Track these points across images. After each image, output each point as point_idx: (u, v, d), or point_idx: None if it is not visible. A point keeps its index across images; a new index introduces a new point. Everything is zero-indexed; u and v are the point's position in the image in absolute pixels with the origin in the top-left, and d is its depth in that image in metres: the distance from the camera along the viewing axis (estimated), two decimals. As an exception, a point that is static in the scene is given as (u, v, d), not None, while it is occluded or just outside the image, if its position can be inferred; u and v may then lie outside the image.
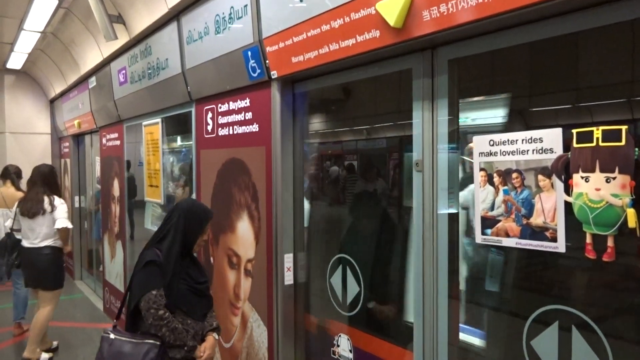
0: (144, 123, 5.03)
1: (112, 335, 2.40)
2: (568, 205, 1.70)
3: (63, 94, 8.08)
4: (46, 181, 4.80)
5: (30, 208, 4.64)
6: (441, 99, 2.13)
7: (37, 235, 4.66)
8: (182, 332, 2.37)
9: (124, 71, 5.16)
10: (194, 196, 4.01)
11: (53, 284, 4.78)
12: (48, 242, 4.70)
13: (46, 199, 4.68)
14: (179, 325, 2.37)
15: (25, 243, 4.71)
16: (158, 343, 2.34)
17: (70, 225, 4.82)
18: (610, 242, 1.59)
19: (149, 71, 4.54)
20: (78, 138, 8.41)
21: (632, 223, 1.51)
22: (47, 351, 5.02)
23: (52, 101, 9.09)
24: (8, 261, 4.81)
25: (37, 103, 9.14)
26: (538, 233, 1.77)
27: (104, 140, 6.41)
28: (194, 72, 3.78)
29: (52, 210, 4.66)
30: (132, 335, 2.40)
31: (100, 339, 2.43)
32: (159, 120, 4.70)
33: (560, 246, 1.71)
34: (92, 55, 6.02)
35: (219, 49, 3.37)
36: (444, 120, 2.15)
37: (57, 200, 4.77)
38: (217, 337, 2.57)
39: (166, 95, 4.37)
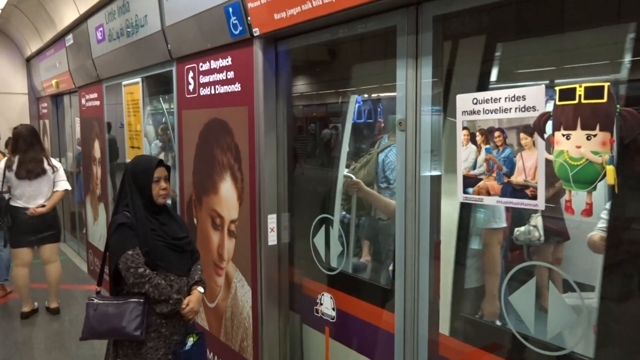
0: (124, 83, 4.91)
1: (95, 300, 2.44)
2: (549, 164, 1.71)
3: (39, 52, 7.83)
4: (40, 141, 4.95)
5: (33, 169, 4.73)
6: (425, 57, 2.10)
7: (41, 195, 4.82)
8: (165, 287, 2.39)
9: (101, 28, 5.00)
10: (176, 158, 3.97)
11: (58, 236, 5.17)
12: None
13: (44, 160, 4.82)
14: (161, 280, 2.39)
15: (27, 204, 4.77)
16: (142, 300, 2.37)
17: (70, 188, 5.10)
18: (588, 199, 1.61)
19: (128, 29, 4.40)
20: (56, 98, 8.21)
21: (610, 180, 1.53)
22: (31, 312, 5.05)
23: (28, 60, 8.82)
24: (3, 224, 4.81)
25: (13, 62, 8.86)
26: (519, 191, 1.79)
27: (83, 101, 6.26)
28: (174, 30, 3.67)
29: (54, 172, 4.86)
30: (115, 297, 2.44)
31: (86, 305, 2.46)
32: (139, 79, 4.59)
33: (540, 204, 1.73)
34: (67, 11, 5.80)
35: (199, 5, 3.26)
36: (428, 82, 2.12)
37: (55, 161, 4.96)
38: (201, 290, 2.59)
39: (146, 53, 4.25)
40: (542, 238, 2.46)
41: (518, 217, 2.29)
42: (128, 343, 2.42)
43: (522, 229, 2.37)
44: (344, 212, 3.03)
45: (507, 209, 2.27)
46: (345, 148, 3.10)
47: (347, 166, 3.12)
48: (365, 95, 3.25)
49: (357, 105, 3.13)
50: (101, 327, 2.39)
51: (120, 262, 2.35)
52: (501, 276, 2.23)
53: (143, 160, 2.60)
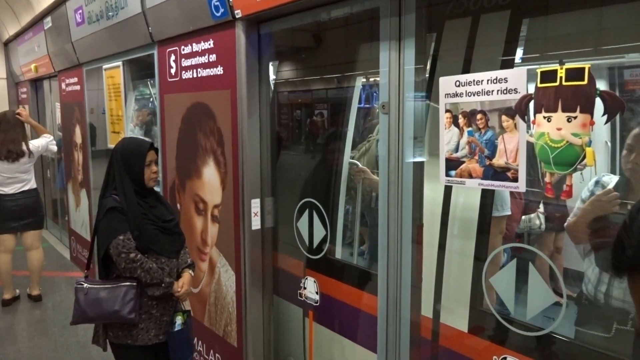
0: (105, 67, 4.83)
1: (85, 285, 2.40)
2: (530, 146, 1.71)
3: (17, 35, 7.65)
4: (23, 126, 4.95)
5: (13, 149, 4.70)
6: (408, 39, 2.08)
7: (21, 180, 4.83)
8: (157, 270, 2.38)
9: (80, 11, 4.89)
10: (159, 143, 3.92)
11: (41, 223, 5.19)
12: (33, 184, 4.96)
13: (23, 143, 4.81)
14: (153, 264, 2.38)
15: (8, 190, 4.75)
16: (134, 284, 2.36)
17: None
18: (568, 181, 1.62)
19: (108, 12, 4.31)
20: (36, 83, 8.05)
21: (590, 162, 1.54)
22: (12, 299, 5.00)
23: (6, 44, 8.62)
24: None
25: (-10, 45, 8.67)
26: (500, 173, 1.79)
27: (63, 85, 6.15)
28: (155, 12, 3.60)
29: (30, 156, 4.84)
30: (106, 282, 2.41)
31: (75, 290, 2.42)
32: (119, 63, 4.51)
33: (520, 186, 1.74)
34: (46, -7, 5.67)
35: (180, -14, 3.20)
36: (411, 69, 2.11)
37: (32, 146, 4.92)
38: (192, 273, 2.61)
39: (127, 36, 4.17)
40: (543, 226, 2.46)
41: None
42: (119, 325, 2.41)
43: (523, 216, 2.35)
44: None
45: (512, 195, 2.14)
46: (350, 135, 3.04)
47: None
48: (364, 80, 3.20)
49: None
50: (93, 311, 2.36)
51: (111, 248, 2.32)
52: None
53: (133, 143, 2.53)
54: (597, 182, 1.78)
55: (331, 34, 3.22)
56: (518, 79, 1.70)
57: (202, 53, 3.24)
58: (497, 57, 2.06)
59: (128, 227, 2.34)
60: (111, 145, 4.95)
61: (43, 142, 5.03)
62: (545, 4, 1.99)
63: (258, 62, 3.00)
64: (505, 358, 1.91)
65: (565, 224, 1.86)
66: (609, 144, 2.04)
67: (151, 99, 4.89)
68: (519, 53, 2.01)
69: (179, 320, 2.50)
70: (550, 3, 1.97)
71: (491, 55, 2.08)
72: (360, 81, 3.12)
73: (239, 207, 3.05)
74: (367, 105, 3.26)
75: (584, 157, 1.56)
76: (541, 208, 2.43)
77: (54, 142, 5.21)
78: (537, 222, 2.55)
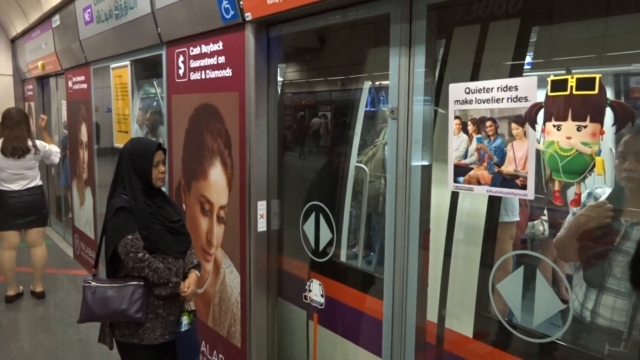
0: (112, 66, 4.85)
1: (93, 283, 2.42)
2: (536, 154, 1.73)
3: (25, 33, 7.68)
4: (28, 122, 4.94)
5: (18, 146, 4.70)
6: (419, 45, 2.10)
7: (26, 177, 4.84)
8: (164, 270, 2.40)
9: (89, 10, 4.92)
10: (165, 143, 3.94)
11: (45, 220, 5.20)
12: (38, 182, 4.98)
13: (29, 140, 4.82)
14: (160, 264, 2.40)
15: (14, 186, 4.77)
16: (142, 283, 2.38)
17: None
18: (577, 190, 1.63)
19: (116, 11, 4.33)
20: (42, 80, 8.08)
21: (599, 171, 1.55)
22: (16, 296, 5.02)
23: (13, 41, 8.65)
24: None
25: (-3, 42, 8.71)
26: (509, 181, 1.80)
27: (70, 83, 6.17)
28: (165, 13, 3.62)
29: (35, 153, 4.83)
30: (114, 281, 2.43)
31: (82, 288, 2.45)
32: (127, 63, 4.53)
33: (529, 194, 1.75)
34: (54, -8, 5.70)
35: (190, -13, 3.22)
36: (421, 72, 2.12)
37: (40, 143, 4.93)
38: (198, 274, 2.63)
39: (135, 36, 4.19)
40: (547, 232, 2.47)
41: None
42: (125, 324, 2.43)
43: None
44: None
45: (520, 201, 2.17)
46: (357, 139, 3.03)
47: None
48: (370, 83, 3.20)
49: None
50: (101, 310, 2.38)
51: (120, 247, 2.34)
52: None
53: (141, 143, 2.56)
54: (589, 194, 1.80)
55: (340, 35, 3.24)
56: (528, 88, 1.71)
57: (211, 55, 3.26)
58: (505, 64, 2.08)
59: (137, 226, 2.37)
60: (117, 144, 4.98)
61: (51, 147, 5.05)
62: (553, 12, 2.00)
63: (267, 64, 3.02)
64: (510, 364, 1.92)
65: (554, 240, 1.87)
66: (614, 150, 2.06)
67: (156, 98, 4.92)
68: (527, 60, 2.03)
69: (185, 320, 2.51)
70: (559, 12, 1.98)
71: (500, 62, 2.10)
72: (367, 84, 3.14)
73: (245, 209, 3.06)
74: (373, 109, 3.28)
75: (594, 166, 1.57)
76: (545, 215, 2.44)
77: (59, 154, 5.22)
78: (541, 228, 2.57)
